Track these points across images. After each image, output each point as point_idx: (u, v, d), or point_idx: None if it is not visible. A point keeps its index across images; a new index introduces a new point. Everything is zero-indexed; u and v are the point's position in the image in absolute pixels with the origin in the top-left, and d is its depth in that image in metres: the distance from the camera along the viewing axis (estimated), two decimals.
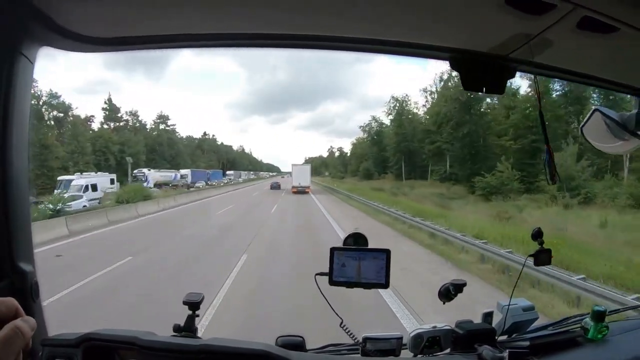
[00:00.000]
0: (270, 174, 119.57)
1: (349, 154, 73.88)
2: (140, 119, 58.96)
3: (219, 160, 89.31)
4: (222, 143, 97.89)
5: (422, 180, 40.75)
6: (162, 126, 63.89)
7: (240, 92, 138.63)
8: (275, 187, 39.84)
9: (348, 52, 0.99)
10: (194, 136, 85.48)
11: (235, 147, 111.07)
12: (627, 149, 1.24)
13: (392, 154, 47.71)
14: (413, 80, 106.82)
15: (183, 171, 49.37)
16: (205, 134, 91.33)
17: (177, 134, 71.52)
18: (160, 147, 59.24)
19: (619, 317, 1.44)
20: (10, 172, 0.90)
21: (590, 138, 1.26)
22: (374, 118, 57.87)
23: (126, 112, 56.97)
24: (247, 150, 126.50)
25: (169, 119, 65.13)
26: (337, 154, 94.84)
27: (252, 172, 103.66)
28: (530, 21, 0.84)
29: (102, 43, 0.97)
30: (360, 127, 60.48)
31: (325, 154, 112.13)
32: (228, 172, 75.23)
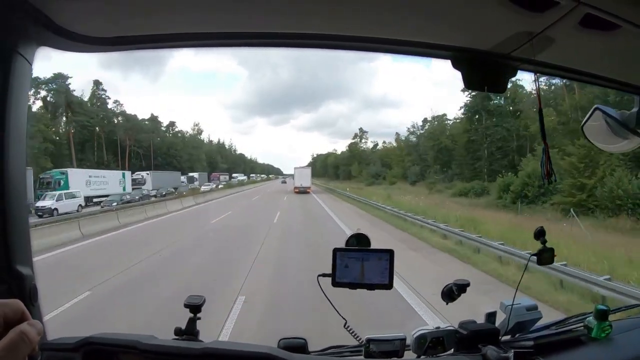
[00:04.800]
0: (240, 177, 71.55)
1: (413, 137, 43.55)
2: None
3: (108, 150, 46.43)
4: (145, 120, 54.36)
5: None
6: None
7: (241, 93, 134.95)
8: (284, 182, 52.82)
9: (349, 51, 0.98)
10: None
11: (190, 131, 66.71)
12: (627, 148, 1.24)
13: None
14: (416, 79, 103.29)
15: None
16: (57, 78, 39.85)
17: None
18: None
19: (622, 316, 1.44)
20: (8, 174, 0.88)
21: (590, 137, 1.26)
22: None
23: None
24: (227, 143, 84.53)
25: None
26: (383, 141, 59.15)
27: (184, 177, 48.62)
28: (532, 19, 0.84)
29: (101, 43, 0.97)
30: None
31: (341, 150, 77.47)
32: None
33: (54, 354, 1.00)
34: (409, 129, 54.07)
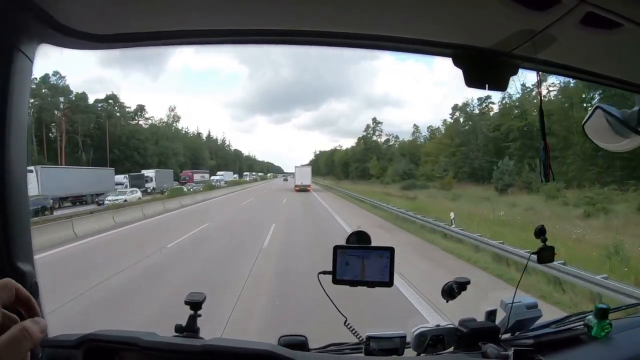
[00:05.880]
0: (217, 177, 49.59)
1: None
2: None
3: None
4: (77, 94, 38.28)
5: None
6: None
7: (242, 92, 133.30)
8: (285, 180, 53.58)
9: (349, 48, 0.98)
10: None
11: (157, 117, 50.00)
12: (629, 147, 1.23)
13: None
14: (418, 79, 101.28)
15: None
16: None
17: None
18: None
19: (622, 315, 1.45)
20: (9, 171, 0.89)
21: (592, 136, 1.26)
22: None
23: None
24: (220, 139, 69.72)
25: None
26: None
27: (125, 177, 30.68)
28: (534, 17, 0.84)
29: (102, 40, 0.97)
30: None
31: (345, 146, 63.14)
32: None
33: (55, 351, 1.00)
34: (459, 106, 40.23)
